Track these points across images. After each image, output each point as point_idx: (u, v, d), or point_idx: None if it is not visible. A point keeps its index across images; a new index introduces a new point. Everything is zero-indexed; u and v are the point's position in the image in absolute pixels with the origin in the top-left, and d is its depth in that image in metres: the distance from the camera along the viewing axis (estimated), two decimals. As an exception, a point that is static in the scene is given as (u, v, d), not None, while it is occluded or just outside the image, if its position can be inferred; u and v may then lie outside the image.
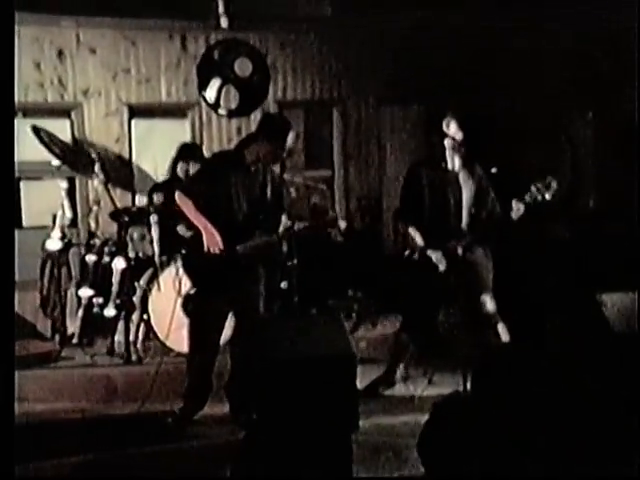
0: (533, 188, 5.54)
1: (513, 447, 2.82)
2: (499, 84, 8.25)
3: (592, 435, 2.96)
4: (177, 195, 5.45)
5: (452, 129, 5.77)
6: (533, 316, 6.31)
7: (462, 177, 5.83)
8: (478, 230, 5.77)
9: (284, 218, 5.64)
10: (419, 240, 5.81)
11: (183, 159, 7.12)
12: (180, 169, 7.11)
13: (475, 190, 5.83)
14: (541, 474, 2.85)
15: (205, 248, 5.32)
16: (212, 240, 5.32)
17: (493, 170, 6.03)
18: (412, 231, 5.86)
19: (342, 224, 6.49)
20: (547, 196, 5.55)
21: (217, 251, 5.31)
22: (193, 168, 6.83)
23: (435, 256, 5.73)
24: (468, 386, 5.39)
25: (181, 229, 6.15)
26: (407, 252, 5.91)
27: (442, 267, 5.71)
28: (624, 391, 3.08)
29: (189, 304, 5.81)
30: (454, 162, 5.83)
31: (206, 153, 7.54)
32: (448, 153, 5.80)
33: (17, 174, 7.34)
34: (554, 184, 5.54)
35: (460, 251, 5.70)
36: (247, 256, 5.41)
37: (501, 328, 5.73)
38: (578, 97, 8.36)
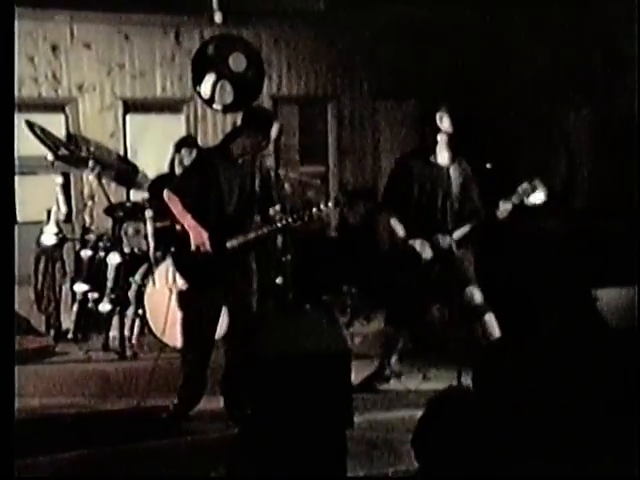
0: (519, 189, 5.59)
1: (509, 443, 2.83)
2: (493, 80, 8.24)
3: (590, 433, 2.96)
4: (165, 194, 5.45)
5: (445, 123, 5.78)
6: (526, 310, 6.32)
7: (452, 171, 5.84)
8: (462, 225, 5.78)
9: (272, 211, 5.61)
10: (400, 231, 5.83)
11: (178, 152, 7.12)
12: (177, 162, 7.10)
13: (461, 184, 5.85)
14: (537, 471, 2.86)
15: (193, 247, 5.32)
16: (199, 239, 5.31)
17: (488, 166, 6.03)
18: (393, 222, 5.87)
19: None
20: (532, 199, 5.57)
21: (205, 250, 5.32)
22: (186, 156, 6.87)
23: (418, 245, 5.74)
24: (462, 381, 5.41)
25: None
26: (390, 243, 5.94)
27: (425, 255, 5.72)
28: (621, 387, 3.08)
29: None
30: (444, 156, 5.85)
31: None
32: (439, 147, 5.82)
33: (11, 169, 7.33)
34: (540, 187, 5.56)
35: (446, 244, 5.72)
36: (238, 251, 5.41)
37: (489, 320, 5.73)
38: (573, 94, 8.35)
